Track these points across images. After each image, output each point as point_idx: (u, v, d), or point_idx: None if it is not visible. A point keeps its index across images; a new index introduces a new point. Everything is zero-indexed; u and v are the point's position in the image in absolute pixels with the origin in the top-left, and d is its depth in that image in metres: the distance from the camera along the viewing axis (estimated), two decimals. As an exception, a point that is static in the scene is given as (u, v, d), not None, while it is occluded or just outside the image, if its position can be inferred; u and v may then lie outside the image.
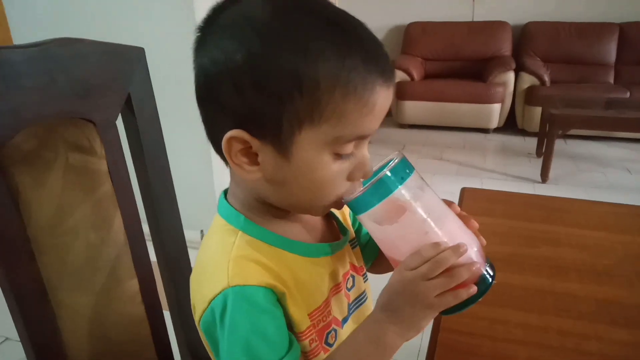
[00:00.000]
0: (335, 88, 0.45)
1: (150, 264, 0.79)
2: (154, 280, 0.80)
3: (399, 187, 0.49)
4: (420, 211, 0.50)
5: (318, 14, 0.47)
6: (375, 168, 0.53)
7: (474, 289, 0.49)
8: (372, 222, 0.52)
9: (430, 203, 0.51)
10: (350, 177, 0.52)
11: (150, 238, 0.80)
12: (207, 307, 0.51)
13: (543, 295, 0.73)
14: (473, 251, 0.50)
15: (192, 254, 0.87)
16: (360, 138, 0.50)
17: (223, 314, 0.49)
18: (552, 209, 1.07)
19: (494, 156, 4.11)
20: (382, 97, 0.49)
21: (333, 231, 0.66)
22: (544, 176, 3.37)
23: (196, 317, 0.54)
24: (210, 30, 0.50)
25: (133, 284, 0.77)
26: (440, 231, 0.50)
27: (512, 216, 1.01)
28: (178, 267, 0.85)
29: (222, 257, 0.52)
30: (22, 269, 0.58)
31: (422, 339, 1.77)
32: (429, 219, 0.50)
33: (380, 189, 0.49)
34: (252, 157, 0.50)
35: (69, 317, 0.66)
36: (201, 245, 0.58)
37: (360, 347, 0.51)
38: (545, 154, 3.38)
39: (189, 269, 0.87)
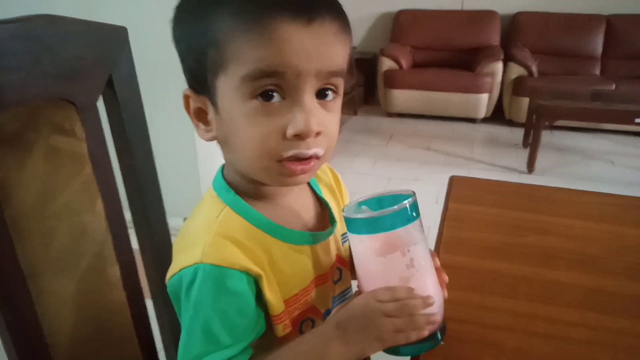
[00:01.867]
0: (233, 31, 0.48)
1: (132, 251, 0.77)
2: (136, 266, 0.79)
3: (403, 227, 0.50)
4: (410, 257, 0.51)
5: None
6: (378, 194, 0.56)
7: (424, 333, 0.51)
8: (360, 246, 0.53)
9: (420, 252, 0.52)
10: (285, 135, 0.50)
11: (132, 226, 0.79)
12: (177, 272, 0.53)
13: (531, 283, 0.73)
14: (437, 305, 0.53)
15: (176, 241, 0.85)
16: (268, 75, 0.48)
17: (190, 287, 0.51)
18: (540, 198, 1.07)
19: (482, 147, 4.12)
20: (289, 31, 0.47)
21: (323, 221, 0.65)
22: (530, 167, 3.41)
23: (167, 276, 0.55)
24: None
25: (116, 271, 0.75)
26: (418, 282, 0.52)
27: (500, 205, 1.00)
28: (161, 253, 0.82)
29: (203, 231, 0.54)
30: (0, 254, 0.56)
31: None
32: (414, 267, 0.51)
33: (385, 221, 0.50)
34: (204, 116, 0.55)
35: (51, 302, 0.64)
36: (192, 213, 0.59)
37: (301, 356, 0.53)
38: (531, 145, 3.41)
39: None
